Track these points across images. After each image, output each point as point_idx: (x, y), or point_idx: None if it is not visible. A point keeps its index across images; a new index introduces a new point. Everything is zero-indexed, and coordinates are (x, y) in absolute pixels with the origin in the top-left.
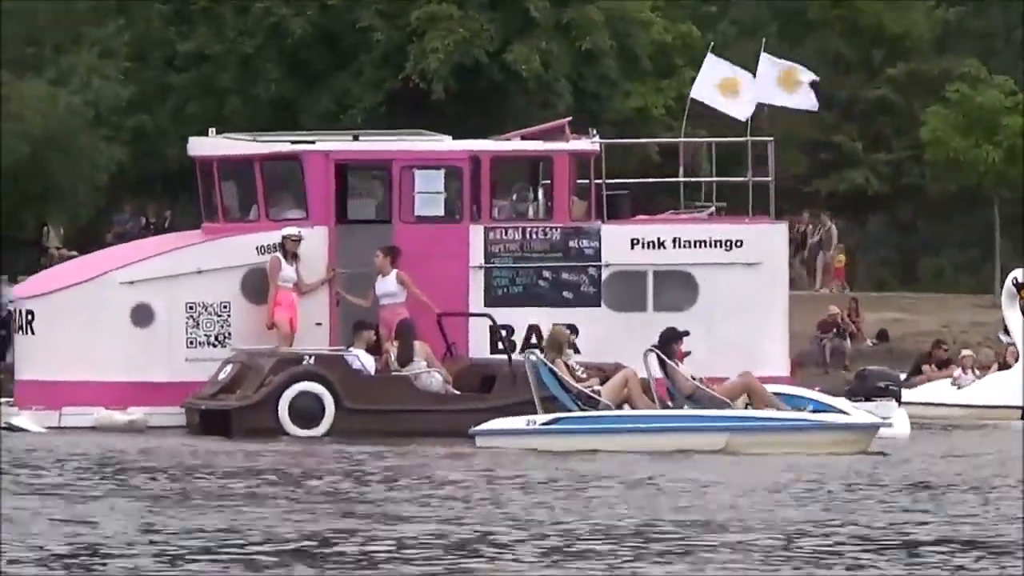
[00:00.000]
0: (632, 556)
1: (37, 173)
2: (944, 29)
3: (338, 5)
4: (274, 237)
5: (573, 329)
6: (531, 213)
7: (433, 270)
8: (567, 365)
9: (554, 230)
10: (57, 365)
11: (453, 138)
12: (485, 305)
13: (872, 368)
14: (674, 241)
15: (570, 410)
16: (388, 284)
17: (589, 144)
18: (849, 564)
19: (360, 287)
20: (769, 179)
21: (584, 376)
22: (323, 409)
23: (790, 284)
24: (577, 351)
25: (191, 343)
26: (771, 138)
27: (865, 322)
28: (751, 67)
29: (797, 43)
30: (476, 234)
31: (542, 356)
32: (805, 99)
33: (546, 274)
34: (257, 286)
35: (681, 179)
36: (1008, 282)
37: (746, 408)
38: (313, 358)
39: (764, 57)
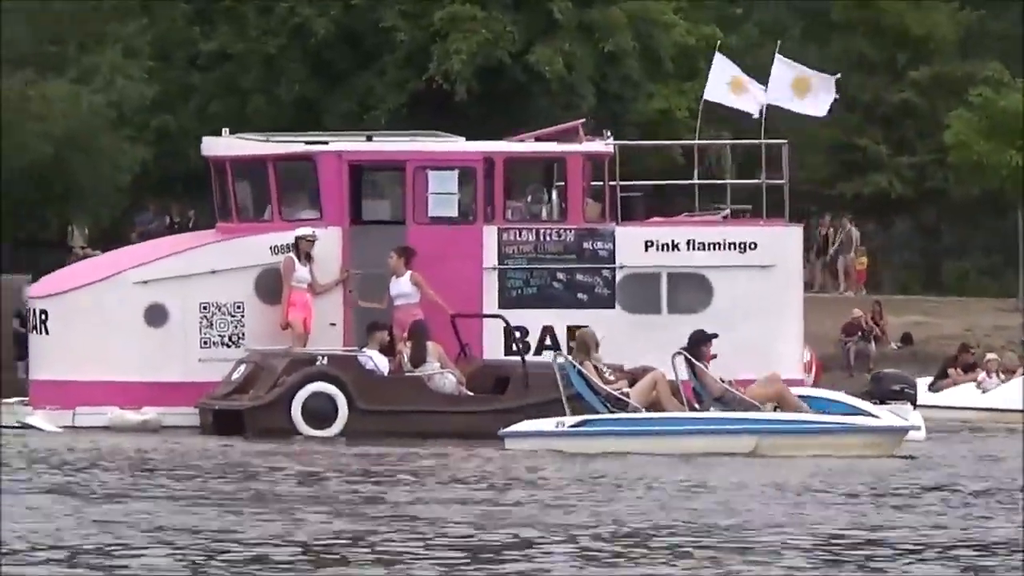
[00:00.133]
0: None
1: (59, 173)
2: (967, 32)
3: (361, 5)
4: (288, 237)
5: None
6: (545, 214)
7: (447, 271)
8: (595, 367)
9: (568, 232)
10: (71, 365)
11: (477, 140)
12: (499, 306)
13: (887, 371)
14: (688, 243)
15: (599, 412)
16: (402, 285)
17: (603, 146)
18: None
19: (374, 288)
20: (783, 181)
21: (612, 378)
22: (336, 410)
23: (814, 287)
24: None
25: (205, 343)
26: (784, 141)
27: (889, 325)
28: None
29: (821, 44)
30: (490, 235)
31: (570, 358)
32: (816, 105)
33: (560, 276)
34: (271, 286)
35: (696, 181)
36: None
37: (774, 411)
38: (326, 359)
39: (778, 59)
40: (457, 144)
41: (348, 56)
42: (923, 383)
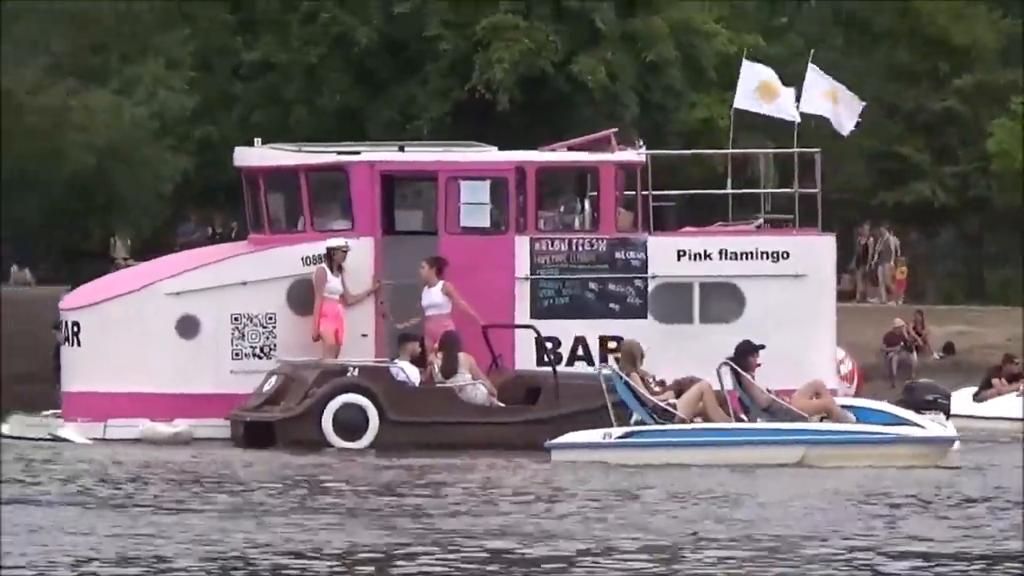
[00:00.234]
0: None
1: (101, 184)
2: (1008, 40)
3: (404, 14)
4: (320, 248)
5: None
6: (577, 224)
7: (479, 281)
8: (641, 378)
9: (600, 241)
10: (103, 376)
11: (520, 150)
12: (531, 317)
13: (920, 381)
14: (720, 253)
15: (646, 423)
16: (434, 295)
17: (635, 155)
18: None
19: (406, 303)
20: (816, 190)
21: (657, 389)
22: (367, 421)
23: (855, 297)
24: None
25: (237, 355)
26: (817, 149)
27: (931, 335)
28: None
29: (863, 54)
30: (522, 245)
31: (616, 368)
32: (840, 122)
33: (592, 286)
34: (303, 297)
35: (729, 191)
36: None
37: (821, 421)
38: (357, 370)
39: (812, 69)
40: (489, 154)
41: (390, 65)
42: (967, 393)
